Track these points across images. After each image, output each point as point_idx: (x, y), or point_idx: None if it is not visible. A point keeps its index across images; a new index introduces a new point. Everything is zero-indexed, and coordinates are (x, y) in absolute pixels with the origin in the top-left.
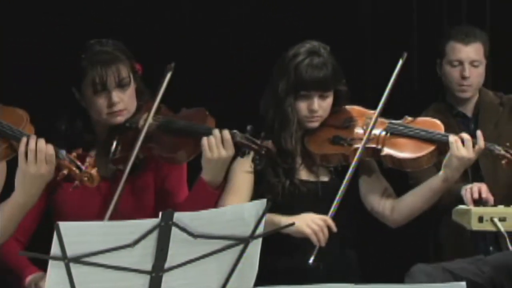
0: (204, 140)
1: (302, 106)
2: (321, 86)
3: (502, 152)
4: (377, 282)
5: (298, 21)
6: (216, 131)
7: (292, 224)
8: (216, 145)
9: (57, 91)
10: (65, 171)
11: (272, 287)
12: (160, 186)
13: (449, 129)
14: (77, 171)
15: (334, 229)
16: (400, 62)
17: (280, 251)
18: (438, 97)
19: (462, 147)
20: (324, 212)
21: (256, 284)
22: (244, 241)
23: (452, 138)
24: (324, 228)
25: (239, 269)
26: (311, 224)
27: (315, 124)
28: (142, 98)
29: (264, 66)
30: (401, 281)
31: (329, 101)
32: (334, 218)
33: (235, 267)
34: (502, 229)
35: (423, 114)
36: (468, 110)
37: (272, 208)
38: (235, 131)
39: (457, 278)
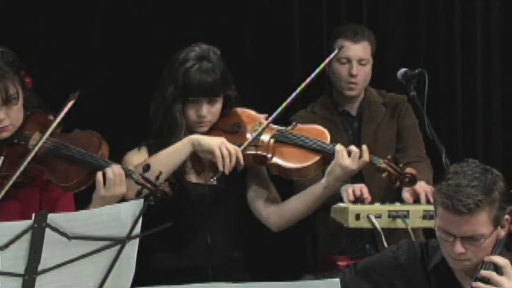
0: (100, 176)
1: (191, 111)
2: (209, 92)
3: (383, 165)
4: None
5: (184, 22)
6: (113, 169)
7: (169, 225)
8: (113, 183)
9: None
10: None
11: (158, 287)
12: (46, 207)
13: (333, 126)
14: None
15: (242, 162)
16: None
17: (168, 251)
18: (324, 92)
19: (347, 157)
20: (215, 215)
21: (142, 283)
22: (120, 242)
23: (339, 147)
24: (233, 157)
25: (116, 270)
26: (223, 148)
27: (204, 129)
28: (29, 108)
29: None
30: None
31: (218, 106)
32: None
33: (112, 268)
34: (377, 226)
35: (309, 106)
36: (353, 108)
37: (161, 209)
38: (131, 168)
39: None
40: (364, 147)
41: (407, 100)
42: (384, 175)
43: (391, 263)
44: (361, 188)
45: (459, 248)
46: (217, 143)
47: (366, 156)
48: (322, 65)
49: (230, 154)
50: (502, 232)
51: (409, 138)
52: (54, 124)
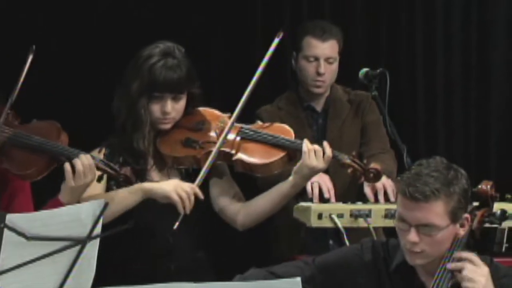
0: (68, 167)
1: (155, 107)
2: (174, 88)
3: (348, 161)
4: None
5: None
6: (81, 159)
7: (131, 225)
8: (82, 173)
9: None
10: None
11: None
12: (4, 204)
13: (298, 122)
14: None
15: (201, 196)
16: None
17: (129, 250)
18: (290, 87)
19: (314, 157)
20: (175, 212)
21: (103, 284)
22: (81, 242)
23: (306, 147)
24: (191, 196)
25: (76, 270)
26: (180, 191)
27: (168, 126)
28: None
29: (116, 66)
30: None
31: (182, 103)
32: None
33: (72, 268)
34: (339, 226)
35: (275, 102)
36: (318, 105)
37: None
38: (92, 154)
39: None
40: (325, 143)
41: (372, 97)
42: (349, 170)
43: (356, 261)
44: (329, 191)
45: (413, 236)
46: (172, 188)
47: (328, 151)
48: (266, 62)
49: (188, 194)
50: (461, 232)
51: (372, 132)
52: (18, 85)
